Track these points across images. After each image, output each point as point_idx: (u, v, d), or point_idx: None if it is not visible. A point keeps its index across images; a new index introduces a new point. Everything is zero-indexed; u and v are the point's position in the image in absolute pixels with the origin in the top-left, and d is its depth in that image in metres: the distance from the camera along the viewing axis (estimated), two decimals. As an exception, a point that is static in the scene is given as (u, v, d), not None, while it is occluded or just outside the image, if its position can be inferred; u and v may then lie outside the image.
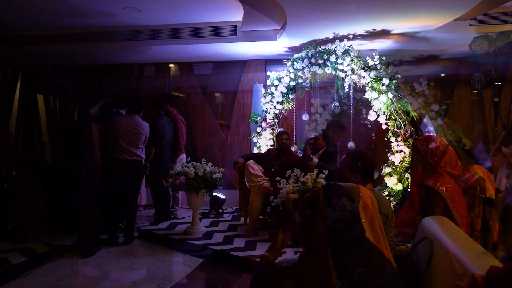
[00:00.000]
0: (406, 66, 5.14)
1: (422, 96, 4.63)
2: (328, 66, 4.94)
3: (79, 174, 4.30)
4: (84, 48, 5.89)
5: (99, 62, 7.11)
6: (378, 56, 4.78)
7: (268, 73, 5.59)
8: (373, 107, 4.83)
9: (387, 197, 4.69)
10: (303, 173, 4.19)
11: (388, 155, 4.81)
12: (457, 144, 4.62)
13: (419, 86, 4.67)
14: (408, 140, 4.63)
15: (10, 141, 4.62)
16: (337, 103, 5.15)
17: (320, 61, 4.95)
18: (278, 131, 5.59)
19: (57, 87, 5.46)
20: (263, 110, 5.67)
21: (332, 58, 4.88)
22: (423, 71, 5.47)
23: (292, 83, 5.33)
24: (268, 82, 5.54)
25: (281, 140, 5.24)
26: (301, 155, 5.15)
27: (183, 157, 5.72)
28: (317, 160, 4.77)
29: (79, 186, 4.32)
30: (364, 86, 4.84)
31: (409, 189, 3.91)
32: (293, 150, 5.30)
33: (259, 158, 5.45)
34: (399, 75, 4.76)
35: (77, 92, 5.90)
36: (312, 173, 4.06)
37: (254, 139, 5.77)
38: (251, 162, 5.07)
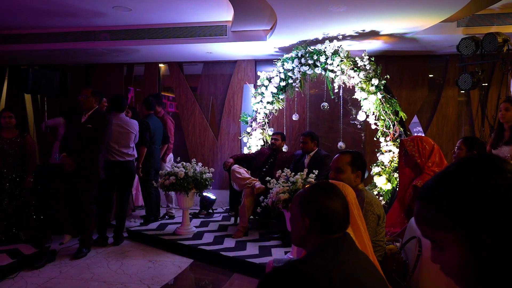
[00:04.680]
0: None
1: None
2: (318, 66, 4.98)
3: (92, 175, 4.22)
4: (72, 47, 5.83)
5: (88, 61, 7.05)
6: (368, 57, 4.83)
7: (258, 73, 5.60)
8: (362, 107, 4.88)
9: (376, 197, 4.73)
10: (293, 173, 4.19)
11: (378, 155, 4.87)
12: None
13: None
14: (397, 140, 4.69)
15: (29, 146, 4.45)
16: (326, 103, 5.18)
17: (310, 62, 4.99)
18: (270, 131, 5.61)
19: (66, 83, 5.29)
20: (253, 110, 5.68)
21: (322, 59, 4.92)
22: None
23: (282, 83, 5.35)
24: (258, 82, 5.55)
25: (271, 140, 5.27)
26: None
27: (171, 156, 5.77)
28: None
29: (86, 187, 4.22)
30: (353, 87, 4.89)
31: (397, 189, 3.94)
32: (284, 150, 5.32)
33: (250, 158, 5.46)
34: (387, 76, 4.82)
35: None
36: (302, 173, 4.07)
37: (244, 139, 5.78)
38: (235, 166, 5.07)
